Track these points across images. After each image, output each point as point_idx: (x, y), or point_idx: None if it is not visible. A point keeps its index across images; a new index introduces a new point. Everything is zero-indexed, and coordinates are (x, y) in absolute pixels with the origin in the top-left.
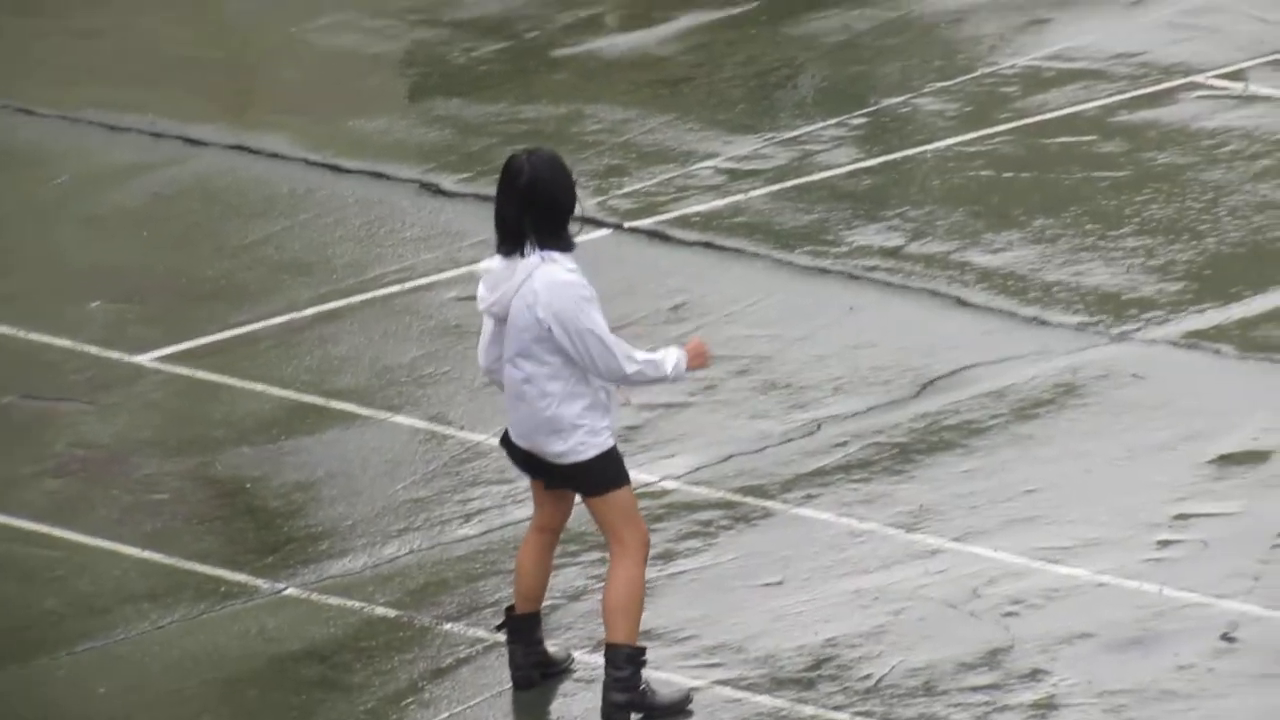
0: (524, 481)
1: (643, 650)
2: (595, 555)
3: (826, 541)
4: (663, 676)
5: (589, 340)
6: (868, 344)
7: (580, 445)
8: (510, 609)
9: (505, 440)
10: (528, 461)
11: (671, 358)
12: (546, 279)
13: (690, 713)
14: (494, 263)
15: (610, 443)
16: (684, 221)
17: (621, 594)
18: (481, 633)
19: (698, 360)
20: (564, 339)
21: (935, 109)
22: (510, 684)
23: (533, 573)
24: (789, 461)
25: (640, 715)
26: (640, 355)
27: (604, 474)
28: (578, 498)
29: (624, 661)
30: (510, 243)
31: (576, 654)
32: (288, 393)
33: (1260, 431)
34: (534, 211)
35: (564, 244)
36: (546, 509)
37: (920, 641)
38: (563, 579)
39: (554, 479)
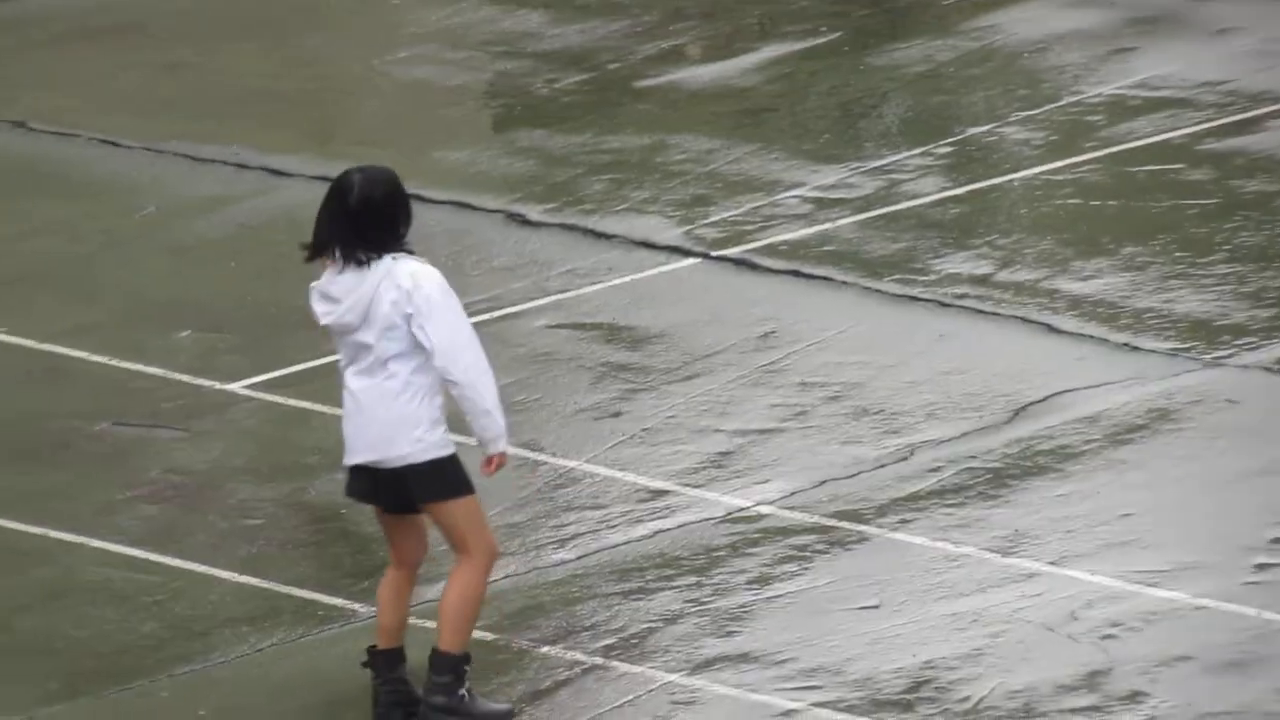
0: (618, 507)
1: (466, 659)
2: (690, 579)
3: (922, 565)
4: (761, 700)
5: (456, 330)
6: (959, 370)
7: (428, 445)
8: (372, 646)
9: (351, 474)
10: (369, 487)
11: (502, 438)
12: (407, 271)
13: None
14: (330, 275)
15: (453, 448)
16: (771, 250)
17: (454, 600)
18: (579, 655)
19: (492, 468)
20: (424, 328)
21: (1021, 138)
22: (609, 706)
23: (387, 609)
24: (883, 486)
25: None
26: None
27: (447, 478)
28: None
29: (446, 669)
30: (350, 257)
31: (674, 677)
32: None
33: None
34: (370, 228)
35: (406, 247)
36: (399, 544)
37: (1019, 664)
38: (658, 603)
39: (394, 495)
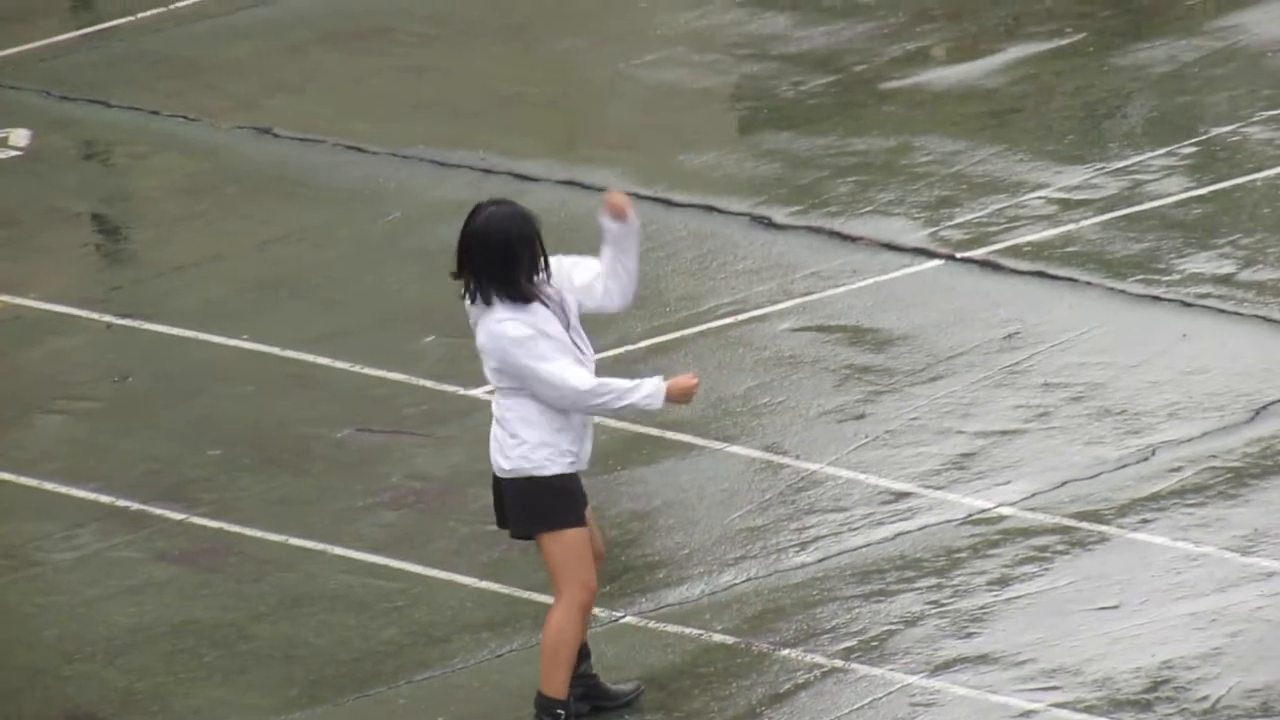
0: (860, 509)
1: (559, 703)
2: (931, 581)
3: (1162, 565)
4: (1000, 701)
5: (531, 380)
6: (1201, 370)
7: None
8: None
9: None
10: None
11: (644, 388)
12: (486, 329)
13: None
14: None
15: (557, 470)
16: (1016, 251)
17: (547, 639)
18: (819, 659)
19: (680, 396)
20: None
21: (1265, 137)
22: (849, 709)
23: None
24: (1124, 487)
25: None
26: (598, 382)
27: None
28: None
29: (538, 708)
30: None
31: (914, 679)
32: (623, 424)
33: None
34: (481, 261)
35: (513, 295)
36: None
37: (1258, 663)
38: (899, 605)
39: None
